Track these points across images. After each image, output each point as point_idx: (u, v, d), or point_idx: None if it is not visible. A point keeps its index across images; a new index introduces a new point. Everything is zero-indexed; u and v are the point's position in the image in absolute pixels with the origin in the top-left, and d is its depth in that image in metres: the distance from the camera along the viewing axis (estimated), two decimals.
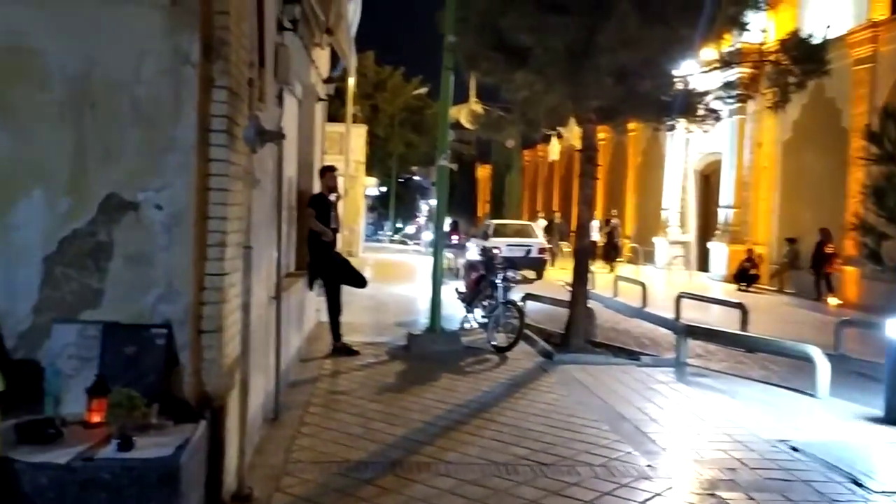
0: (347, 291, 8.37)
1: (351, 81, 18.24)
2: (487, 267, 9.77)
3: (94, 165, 3.76)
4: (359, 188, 26.71)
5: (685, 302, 10.98)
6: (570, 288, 9.34)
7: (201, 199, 3.84)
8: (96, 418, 3.38)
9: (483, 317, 9.47)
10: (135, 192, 3.77)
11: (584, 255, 9.46)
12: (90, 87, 3.76)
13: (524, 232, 21.17)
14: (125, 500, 3.02)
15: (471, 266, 10.82)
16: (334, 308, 8.09)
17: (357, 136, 24.39)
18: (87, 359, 3.65)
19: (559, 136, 18.11)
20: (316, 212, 7.82)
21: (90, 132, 3.76)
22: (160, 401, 3.56)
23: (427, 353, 8.31)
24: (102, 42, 3.75)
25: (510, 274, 9.31)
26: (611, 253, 23.69)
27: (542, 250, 19.64)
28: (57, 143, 3.73)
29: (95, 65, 3.74)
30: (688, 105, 9.15)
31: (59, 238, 3.73)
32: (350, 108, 20.18)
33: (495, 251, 11.34)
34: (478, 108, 19.34)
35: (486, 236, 20.20)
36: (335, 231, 8.13)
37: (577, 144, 10.87)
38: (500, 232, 20.48)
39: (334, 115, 17.03)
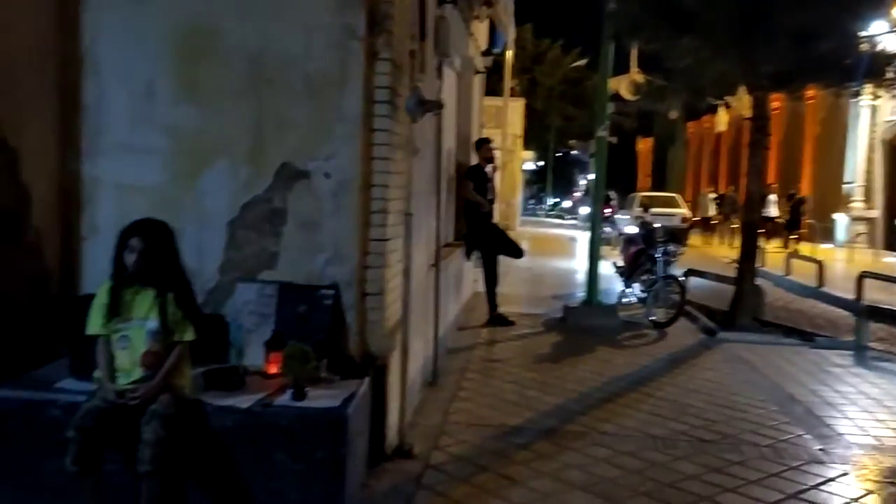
0: (504, 264, 8.45)
1: (509, 54, 18.19)
2: (647, 240, 9.48)
3: (270, 137, 4.04)
4: (516, 162, 26.66)
5: (868, 282, 10.11)
6: (736, 264, 8.89)
7: (366, 167, 4.02)
8: (273, 369, 3.67)
9: (642, 291, 9.23)
10: (306, 161, 4.01)
11: (751, 230, 8.95)
12: (266, 63, 4.02)
13: (668, 203, 21.56)
14: (298, 443, 3.27)
15: (629, 240, 10.54)
16: (491, 278, 8.19)
17: (514, 110, 24.33)
18: (264, 315, 3.96)
19: (727, 106, 17.18)
20: (473, 183, 7.93)
21: (267, 106, 4.03)
22: (328, 357, 3.80)
23: (583, 325, 8.24)
24: (276, 20, 3.99)
25: (671, 248, 8.99)
26: (792, 229, 22.07)
27: (684, 220, 20.49)
28: (238, 117, 4.04)
29: (270, 42, 3.99)
30: (875, 68, 8.36)
31: (241, 204, 4.05)
32: (508, 82, 20.14)
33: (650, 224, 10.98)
34: (639, 78, 18.67)
35: (630, 208, 21.30)
36: (491, 202, 8.21)
37: (747, 114, 10.24)
38: (644, 203, 21.04)
39: (492, 89, 17.07)
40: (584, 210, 32.50)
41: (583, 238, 21.23)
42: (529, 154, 35.87)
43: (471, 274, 9.13)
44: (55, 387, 3.41)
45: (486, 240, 8.15)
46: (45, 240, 3.97)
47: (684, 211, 21.82)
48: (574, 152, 49.41)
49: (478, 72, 9.11)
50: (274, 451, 3.28)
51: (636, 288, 9.47)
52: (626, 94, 17.58)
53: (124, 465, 3.14)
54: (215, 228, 4.04)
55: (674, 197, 24.38)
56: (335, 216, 4.01)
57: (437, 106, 4.57)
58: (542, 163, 47.53)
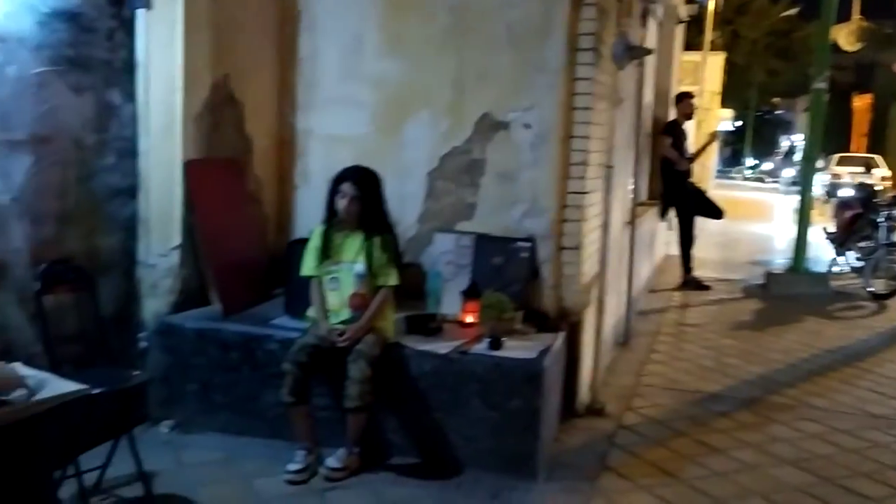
0: (697, 227, 8.01)
1: (711, 4, 17.03)
2: (866, 205, 8.58)
3: (470, 88, 4.03)
4: (712, 121, 25.08)
5: None
6: None
7: (566, 117, 3.91)
8: (469, 318, 3.72)
9: (857, 259, 8.39)
10: (506, 112, 3.97)
11: None
12: (469, 13, 4.00)
13: (866, 163, 20.49)
14: (493, 392, 3.29)
15: (844, 204, 9.59)
16: (686, 240, 7.81)
17: (713, 65, 22.80)
18: (461, 265, 4.01)
19: None
20: (671, 139, 7.54)
21: (468, 57, 4.03)
22: (522, 309, 3.78)
23: (788, 293, 7.64)
24: None
25: None
26: None
27: (884, 178, 19.85)
28: (440, 69, 4.07)
29: None
30: None
31: (441, 155, 4.10)
32: (708, 35, 18.90)
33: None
34: (862, 25, 16.80)
35: (827, 168, 21.21)
36: (690, 160, 7.78)
37: None
38: (841, 163, 21.40)
39: (690, 43, 16.09)
40: (788, 173, 30.13)
41: (783, 202, 19.76)
42: (727, 112, 33.59)
43: (663, 235, 8.76)
44: (272, 323, 3.67)
45: (682, 199, 7.76)
46: (264, 188, 4.27)
47: (885, 172, 20.89)
48: (778, 111, 45.72)
49: (680, 21, 8.58)
50: (469, 398, 3.33)
51: (850, 255, 8.63)
52: (846, 44, 15.92)
53: (331, 400, 3.35)
54: (415, 179, 4.13)
55: (873, 158, 22.77)
56: (534, 167, 3.95)
57: (644, 52, 4.35)
58: (740, 122, 44.44)
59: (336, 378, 3.25)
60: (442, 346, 3.42)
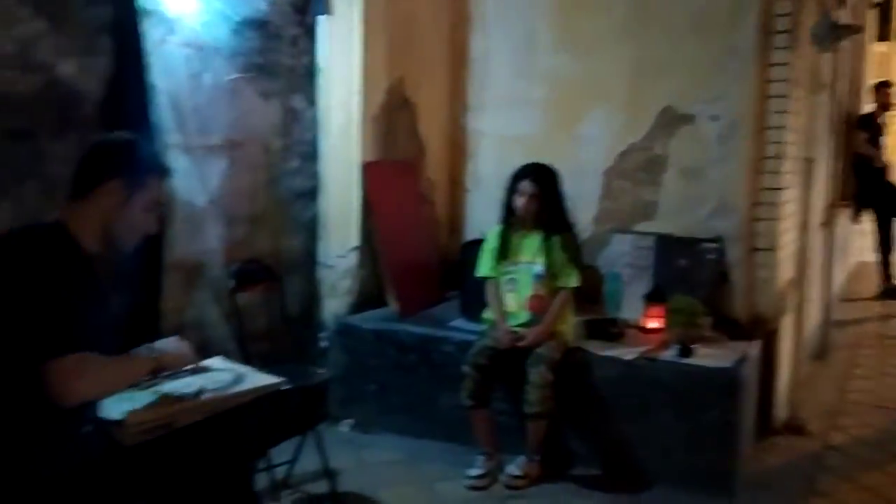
0: None
1: None
2: None
3: (650, 81, 3.82)
4: None
5: None
6: None
7: (759, 107, 3.60)
8: (652, 323, 3.49)
9: None
10: (690, 103, 3.73)
11: None
12: (651, 3, 3.80)
13: None
14: (684, 402, 3.05)
15: None
16: (885, 244, 7.04)
17: None
18: (641, 268, 3.79)
19: None
20: (867, 134, 6.85)
21: (646, 48, 3.82)
22: (711, 316, 3.50)
23: None
24: None
25: None
26: None
27: None
28: (616, 62, 3.88)
29: None
30: None
31: (618, 152, 3.91)
32: None
33: None
34: None
35: None
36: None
37: None
38: None
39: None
40: None
41: None
42: None
43: (857, 240, 7.98)
44: (448, 325, 3.63)
45: (880, 199, 7.02)
46: (436, 190, 4.26)
47: None
48: None
49: (874, 4, 7.81)
50: (658, 409, 3.11)
51: None
52: None
53: (511, 405, 3.24)
54: (590, 177, 3.96)
55: None
56: (721, 163, 3.67)
57: (854, 30, 3.92)
58: None
59: (516, 383, 3.13)
60: (626, 352, 3.22)
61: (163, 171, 1.98)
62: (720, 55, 3.64)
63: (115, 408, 1.78)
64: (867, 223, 7.40)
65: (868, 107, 7.27)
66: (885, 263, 7.08)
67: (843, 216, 6.75)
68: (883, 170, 7.02)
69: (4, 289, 1.61)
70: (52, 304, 1.59)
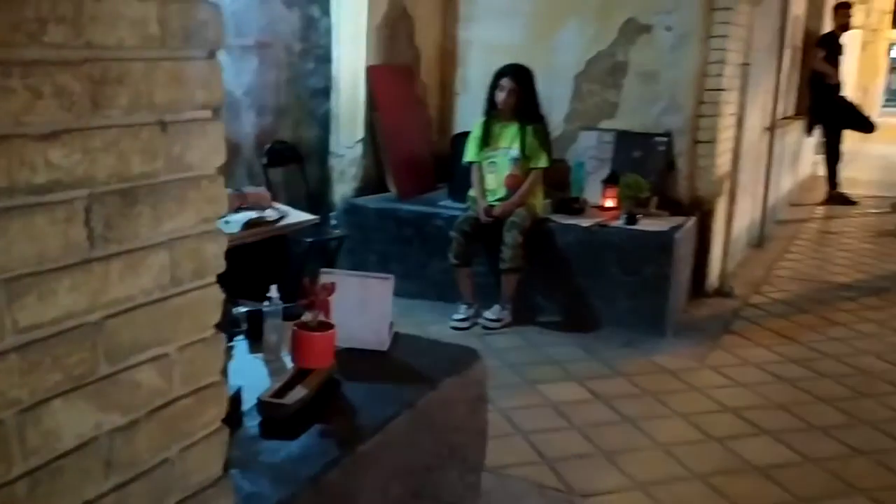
0: (852, 152, 7.85)
1: None
2: None
3: None
4: (880, 43, 23.23)
5: None
6: None
7: (706, 18, 4.23)
8: (609, 203, 4.22)
9: None
10: (649, 15, 4.35)
11: None
12: None
13: None
14: (629, 260, 3.81)
15: None
16: (833, 154, 7.75)
17: None
18: (602, 160, 4.48)
19: None
20: (825, 52, 7.45)
21: None
22: (658, 196, 4.23)
23: None
24: None
25: None
26: None
27: None
28: None
29: None
30: None
31: (586, 59, 4.55)
32: None
33: None
34: None
35: None
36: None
37: None
38: None
39: None
40: None
41: None
42: None
43: (810, 153, 8.69)
44: (438, 204, 4.34)
45: (830, 113, 7.69)
46: (429, 94, 4.90)
47: None
48: None
49: None
50: (608, 266, 3.86)
51: None
52: None
53: (489, 267, 3.98)
54: (563, 82, 4.60)
55: None
56: (673, 67, 4.32)
57: None
58: None
59: (493, 249, 3.87)
60: (584, 221, 3.96)
61: None
62: None
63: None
64: (819, 136, 8.09)
65: (829, 27, 7.84)
66: (832, 172, 7.81)
67: (796, 128, 7.46)
68: (836, 86, 7.65)
69: None
70: None
